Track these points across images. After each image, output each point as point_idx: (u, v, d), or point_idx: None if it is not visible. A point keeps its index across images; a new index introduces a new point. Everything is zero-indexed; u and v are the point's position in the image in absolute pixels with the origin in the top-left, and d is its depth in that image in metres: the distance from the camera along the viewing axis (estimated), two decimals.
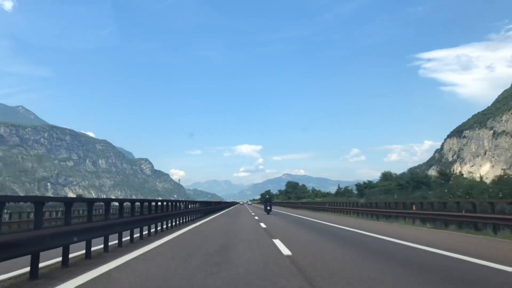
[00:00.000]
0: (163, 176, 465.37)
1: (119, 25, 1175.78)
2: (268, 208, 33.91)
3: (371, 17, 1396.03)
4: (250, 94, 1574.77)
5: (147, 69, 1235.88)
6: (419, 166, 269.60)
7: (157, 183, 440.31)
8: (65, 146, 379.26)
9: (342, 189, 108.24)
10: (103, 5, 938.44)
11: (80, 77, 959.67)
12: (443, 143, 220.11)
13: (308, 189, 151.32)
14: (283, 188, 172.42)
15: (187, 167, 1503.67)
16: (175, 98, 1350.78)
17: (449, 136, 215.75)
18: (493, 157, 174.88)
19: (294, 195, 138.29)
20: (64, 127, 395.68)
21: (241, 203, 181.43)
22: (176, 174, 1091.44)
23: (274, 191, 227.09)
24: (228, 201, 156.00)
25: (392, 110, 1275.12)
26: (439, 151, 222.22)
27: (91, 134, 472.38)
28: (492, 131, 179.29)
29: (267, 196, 47.40)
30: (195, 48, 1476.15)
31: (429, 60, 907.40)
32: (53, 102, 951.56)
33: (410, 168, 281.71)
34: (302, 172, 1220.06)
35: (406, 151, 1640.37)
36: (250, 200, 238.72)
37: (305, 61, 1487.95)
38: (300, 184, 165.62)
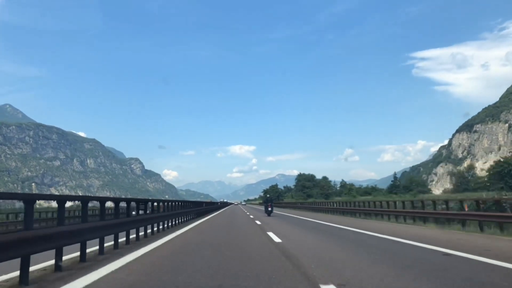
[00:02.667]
0: (154, 176, 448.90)
1: (110, 24, 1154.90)
2: (269, 209, 29.90)
3: (365, 17, 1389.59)
4: (243, 94, 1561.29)
5: (139, 68, 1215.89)
6: (423, 163, 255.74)
7: (148, 183, 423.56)
8: (51, 145, 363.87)
9: (400, 182, 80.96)
10: (92, 3, 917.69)
11: (72, 76, 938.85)
12: (451, 139, 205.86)
13: (332, 183, 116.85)
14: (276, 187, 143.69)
15: (181, 168, 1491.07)
16: (167, 98, 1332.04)
17: (458, 131, 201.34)
18: (510, 152, 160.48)
19: (318, 191, 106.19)
20: (51, 125, 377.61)
21: (236, 203, 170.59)
22: (169, 175, 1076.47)
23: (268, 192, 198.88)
24: (217, 200, 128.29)
25: (386, 110, 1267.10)
26: (447, 147, 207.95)
27: (82, 134, 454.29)
28: (507, 125, 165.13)
29: (268, 196, 42.33)
30: (188, 48, 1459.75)
31: (422, 59, 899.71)
32: (43, 101, 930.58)
33: (413, 167, 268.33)
34: (295, 172, 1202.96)
35: (400, 151, 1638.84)
36: (244, 201, 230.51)
37: (298, 61, 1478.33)
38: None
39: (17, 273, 5.08)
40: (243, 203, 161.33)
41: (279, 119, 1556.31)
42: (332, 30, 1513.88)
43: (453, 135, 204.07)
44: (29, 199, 5.09)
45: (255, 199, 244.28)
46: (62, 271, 5.73)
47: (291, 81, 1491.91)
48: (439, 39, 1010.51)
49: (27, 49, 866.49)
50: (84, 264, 6.47)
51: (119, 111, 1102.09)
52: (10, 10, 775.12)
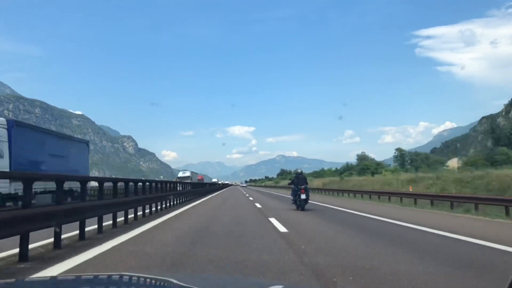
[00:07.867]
0: (149, 155, 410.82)
1: (106, 1, 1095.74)
2: (303, 196, 14.63)
3: None
4: (242, 74, 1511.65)
5: (137, 48, 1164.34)
6: (455, 139, 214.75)
7: (141, 162, 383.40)
8: (33, 120, 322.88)
9: None
10: None
11: (68, 55, 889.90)
12: (508, 105, 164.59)
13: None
14: (278, 170, 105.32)
15: (180, 149, 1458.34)
16: (166, 78, 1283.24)
17: None
18: None
19: None
20: (34, 98, 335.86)
21: (236, 184, 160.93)
22: (168, 155, 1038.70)
23: (269, 173, 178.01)
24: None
25: (387, 91, 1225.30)
26: (503, 115, 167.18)
27: (79, 113, 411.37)
28: None
29: (299, 172, 16.06)
30: (186, 26, 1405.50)
31: (427, 37, 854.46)
32: (38, 79, 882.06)
33: (446, 142, 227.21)
34: (295, 153, 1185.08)
35: (400, 133, 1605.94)
36: (245, 181, 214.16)
37: (299, 41, 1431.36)
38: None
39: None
40: (243, 185, 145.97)
41: (279, 100, 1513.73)
42: (334, 9, 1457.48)
43: None
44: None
45: (261, 180, 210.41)
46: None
47: (292, 61, 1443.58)
48: (444, 16, 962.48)
49: (21, 27, 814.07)
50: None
51: (116, 90, 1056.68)
52: None
